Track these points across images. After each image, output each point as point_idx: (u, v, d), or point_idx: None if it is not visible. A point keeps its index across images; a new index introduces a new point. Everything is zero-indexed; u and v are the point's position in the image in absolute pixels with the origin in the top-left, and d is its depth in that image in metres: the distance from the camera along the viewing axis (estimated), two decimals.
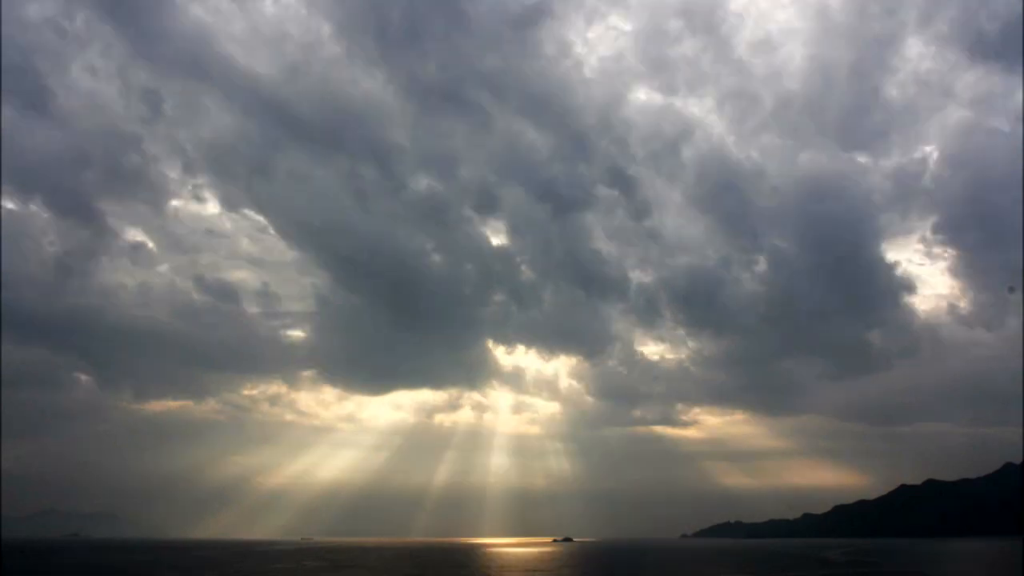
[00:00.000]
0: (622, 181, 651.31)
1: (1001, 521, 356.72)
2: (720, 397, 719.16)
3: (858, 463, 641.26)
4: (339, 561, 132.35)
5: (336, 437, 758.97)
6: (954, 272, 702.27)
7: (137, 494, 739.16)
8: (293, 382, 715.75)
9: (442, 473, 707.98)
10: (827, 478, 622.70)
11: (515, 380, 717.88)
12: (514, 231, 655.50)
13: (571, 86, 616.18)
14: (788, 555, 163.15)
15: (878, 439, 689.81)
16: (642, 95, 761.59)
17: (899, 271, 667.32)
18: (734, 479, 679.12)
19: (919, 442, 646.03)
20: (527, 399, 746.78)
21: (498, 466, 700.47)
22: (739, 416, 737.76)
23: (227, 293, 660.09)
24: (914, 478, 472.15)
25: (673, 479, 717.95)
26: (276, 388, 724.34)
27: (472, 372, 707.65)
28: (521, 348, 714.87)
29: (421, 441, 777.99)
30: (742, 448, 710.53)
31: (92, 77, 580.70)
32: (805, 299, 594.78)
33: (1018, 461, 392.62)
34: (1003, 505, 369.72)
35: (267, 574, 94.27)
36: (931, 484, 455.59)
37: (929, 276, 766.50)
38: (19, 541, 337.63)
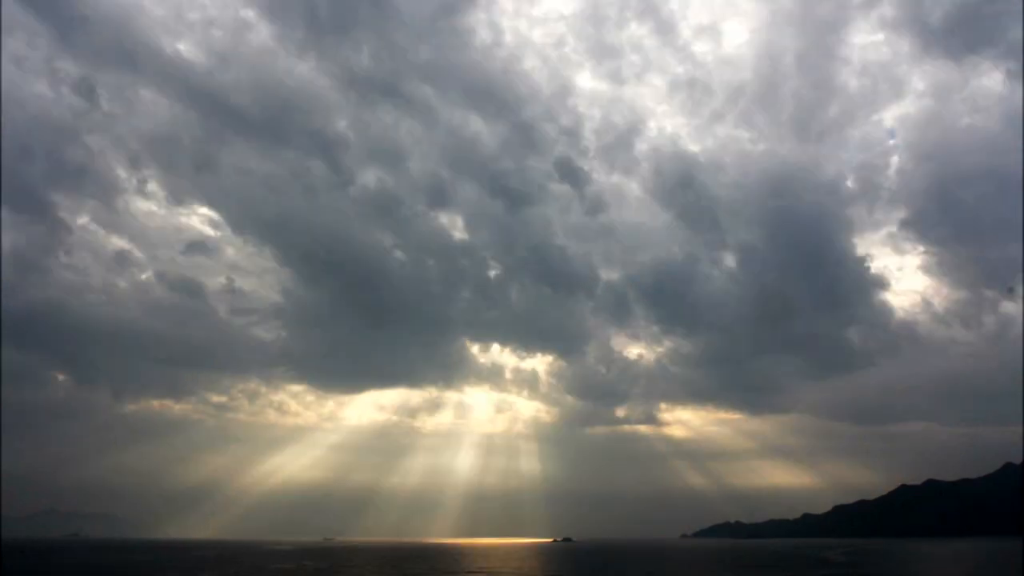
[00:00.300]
0: (576, 175, 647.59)
1: (1002, 521, 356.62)
2: (701, 396, 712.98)
3: (849, 462, 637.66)
4: (344, 561, 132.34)
5: (326, 437, 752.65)
6: (926, 269, 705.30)
7: (133, 494, 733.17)
8: (270, 381, 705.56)
9: (438, 473, 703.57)
10: (821, 478, 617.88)
11: (495, 378, 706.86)
12: (472, 227, 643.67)
13: (512, 75, 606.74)
14: (778, 555, 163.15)
15: (866, 439, 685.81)
16: (589, 83, 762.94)
17: (871, 267, 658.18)
18: (728, 479, 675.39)
19: (907, 442, 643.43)
20: (508, 397, 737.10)
21: (488, 466, 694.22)
22: (724, 415, 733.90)
23: (192, 290, 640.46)
24: (914, 478, 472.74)
25: (666, 479, 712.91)
26: (254, 387, 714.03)
27: (449, 370, 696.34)
28: (496, 346, 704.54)
29: (408, 441, 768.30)
30: (730, 448, 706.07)
31: (18, 69, 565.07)
32: (778, 296, 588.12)
33: (1018, 461, 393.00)
34: (1003, 505, 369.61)
35: (268, 574, 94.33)
36: (931, 484, 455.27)
37: (901, 272, 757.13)
38: (19, 541, 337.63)
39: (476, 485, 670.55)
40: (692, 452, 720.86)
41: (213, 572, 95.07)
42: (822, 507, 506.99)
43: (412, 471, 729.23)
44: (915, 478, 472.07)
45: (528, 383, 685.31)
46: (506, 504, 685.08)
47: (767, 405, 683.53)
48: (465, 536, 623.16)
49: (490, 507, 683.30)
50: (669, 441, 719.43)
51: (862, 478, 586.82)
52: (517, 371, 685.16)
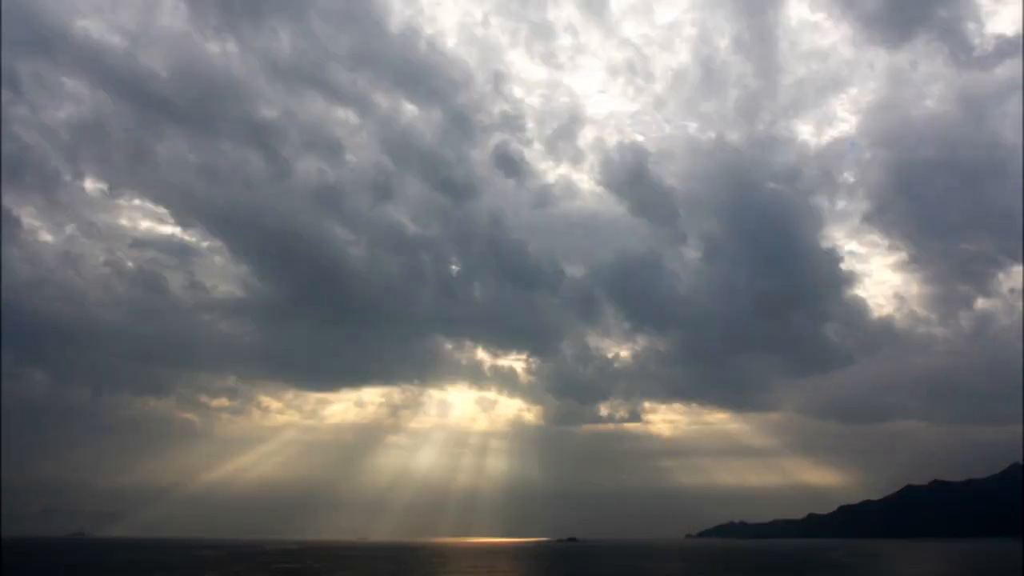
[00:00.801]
0: (521, 166, 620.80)
1: (1008, 522, 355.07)
2: (683, 394, 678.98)
3: (842, 461, 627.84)
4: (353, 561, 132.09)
5: (321, 434, 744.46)
6: (895, 263, 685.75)
7: (137, 495, 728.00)
8: (247, 378, 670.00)
9: (431, 474, 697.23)
10: (812, 477, 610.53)
11: (474, 376, 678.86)
12: (422, 221, 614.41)
13: (440, 58, 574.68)
14: (782, 555, 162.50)
15: (856, 438, 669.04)
16: (523, 68, 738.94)
17: (841, 262, 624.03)
18: (723, 478, 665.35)
19: (897, 441, 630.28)
20: (488, 395, 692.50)
21: (482, 465, 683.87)
22: (710, 414, 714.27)
23: (151, 284, 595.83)
24: (919, 478, 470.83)
25: (663, 478, 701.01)
26: (232, 384, 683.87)
27: (426, 368, 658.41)
28: (469, 343, 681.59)
29: (395, 440, 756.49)
30: (722, 446, 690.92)
31: None
32: (748, 291, 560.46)
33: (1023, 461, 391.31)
34: (1010, 506, 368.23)
35: (268, 574, 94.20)
36: (937, 484, 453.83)
37: (869, 266, 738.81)
38: (22, 539, 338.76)
39: (473, 484, 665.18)
40: (684, 451, 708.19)
41: (215, 572, 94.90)
42: (827, 507, 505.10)
43: (400, 471, 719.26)
44: (920, 478, 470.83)
45: (508, 380, 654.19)
46: (508, 503, 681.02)
47: (752, 404, 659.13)
48: (466, 535, 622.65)
49: (490, 506, 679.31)
50: (658, 440, 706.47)
51: (857, 477, 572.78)
52: (495, 368, 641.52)
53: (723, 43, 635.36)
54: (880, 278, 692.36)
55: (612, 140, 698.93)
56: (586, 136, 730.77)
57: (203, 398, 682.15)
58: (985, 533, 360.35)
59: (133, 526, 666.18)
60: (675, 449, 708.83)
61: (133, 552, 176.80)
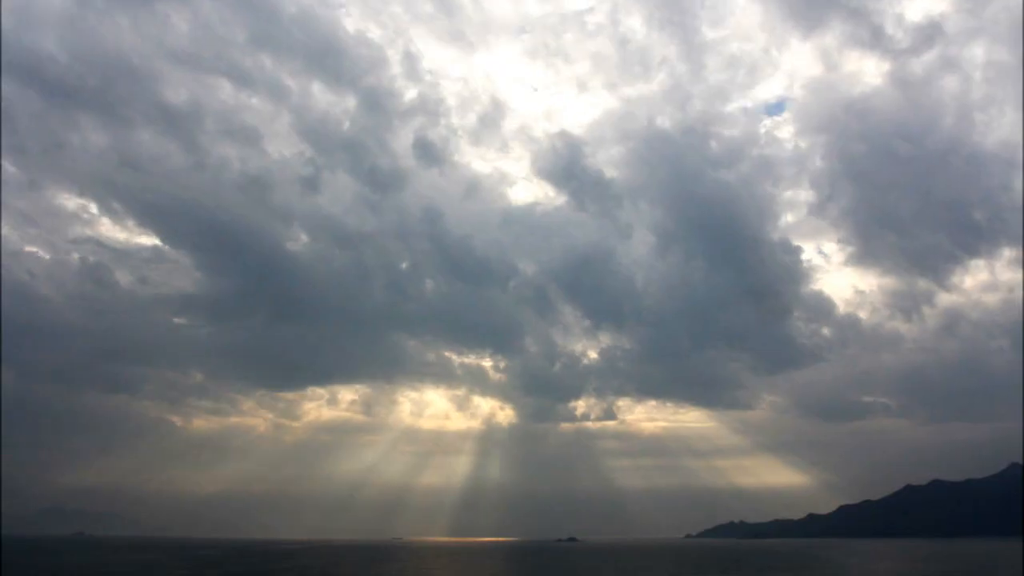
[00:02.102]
0: (446, 155, 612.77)
1: (1007, 522, 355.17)
2: (656, 392, 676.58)
3: (826, 459, 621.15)
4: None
5: (292, 436, 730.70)
6: (853, 258, 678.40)
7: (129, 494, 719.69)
8: (215, 378, 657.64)
9: (425, 475, 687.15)
10: (807, 475, 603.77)
11: (443, 375, 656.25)
12: (358, 214, 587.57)
13: (348, 42, 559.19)
14: (782, 555, 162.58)
15: (837, 435, 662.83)
16: (435, 49, 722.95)
17: (796, 254, 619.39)
18: (708, 477, 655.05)
19: (881, 439, 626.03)
20: (459, 394, 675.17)
21: (467, 465, 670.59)
22: (688, 412, 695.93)
23: (102, 281, 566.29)
24: (918, 478, 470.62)
25: (659, 478, 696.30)
26: (200, 381, 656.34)
27: (393, 367, 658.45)
28: (432, 341, 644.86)
29: (370, 440, 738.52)
30: (705, 445, 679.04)
31: None
32: (707, 286, 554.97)
33: (1020, 460, 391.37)
34: (1009, 506, 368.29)
35: (270, 574, 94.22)
36: (936, 484, 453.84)
37: (823, 260, 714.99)
38: (23, 539, 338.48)
39: (461, 484, 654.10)
40: (666, 450, 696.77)
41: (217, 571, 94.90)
42: (826, 507, 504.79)
43: (381, 471, 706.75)
44: (919, 478, 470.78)
45: (477, 379, 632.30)
46: (507, 503, 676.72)
47: (728, 401, 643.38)
48: (466, 535, 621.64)
49: (488, 506, 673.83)
50: (639, 438, 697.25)
51: (845, 475, 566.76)
52: (464, 367, 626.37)
53: (638, 23, 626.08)
54: (835, 271, 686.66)
55: (539, 126, 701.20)
56: (511, 122, 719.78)
57: (173, 395, 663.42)
58: (985, 533, 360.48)
59: (135, 526, 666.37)
60: (657, 448, 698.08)
61: (134, 552, 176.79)
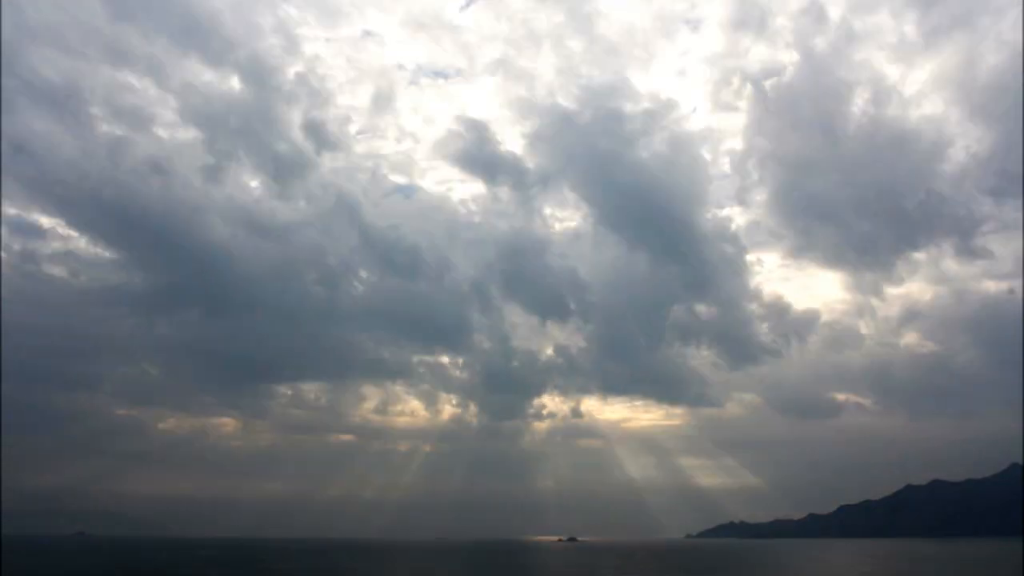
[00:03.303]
0: (343, 140, 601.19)
1: (1007, 521, 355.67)
2: (619, 389, 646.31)
3: (812, 457, 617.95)
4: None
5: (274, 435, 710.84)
6: (791, 251, 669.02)
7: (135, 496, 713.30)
8: (174, 375, 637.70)
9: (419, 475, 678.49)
10: (799, 475, 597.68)
11: (404, 372, 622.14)
12: (267, 203, 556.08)
13: (221, 17, 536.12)
14: (782, 556, 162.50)
15: (816, 433, 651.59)
16: (317, 28, 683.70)
17: (734, 243, 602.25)
18: (695, 476, 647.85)
19: (859, 435, 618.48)
20: (425, 391, 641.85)
21: (450, 465, 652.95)
22: (660, 409, 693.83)
23: (46, 280, 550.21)
24: (919, 478, 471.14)
25: (654, 477, 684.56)
26: (156, 378, 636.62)
27: (352, 364, 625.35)
28: (383, 337, 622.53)
29: (343, 439, 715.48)
30: (686, 444, 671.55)
31: None
32: (651, 279, 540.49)
33: (1020, 461, 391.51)
34: (1009, 506, 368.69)
35: (270, 573, 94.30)
36: (936, 484, 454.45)
37: (765, 252, 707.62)
38: (22, 538, 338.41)
39: (457, 486, 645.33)
40: (651, 448, 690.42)
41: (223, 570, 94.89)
42: (827, 507, 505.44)
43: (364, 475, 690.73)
44: (919, 478, 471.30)
45: (440, 378, 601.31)
46: (506, 503, 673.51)
47: (697, 398, 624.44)
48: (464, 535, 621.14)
49: (483, 506, 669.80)
50: (618, 436, 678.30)
51: (833, 474, 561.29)
52: (423, 364, 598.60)
53: None
54: (780, 266, 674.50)
55: (436, 107, 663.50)
56: (404, 104, 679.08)
57: (134, 392, 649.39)
58: (985, 533, 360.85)
59: (135, 525, 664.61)
60: (636, 446, 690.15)
61: (137, 552, 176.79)
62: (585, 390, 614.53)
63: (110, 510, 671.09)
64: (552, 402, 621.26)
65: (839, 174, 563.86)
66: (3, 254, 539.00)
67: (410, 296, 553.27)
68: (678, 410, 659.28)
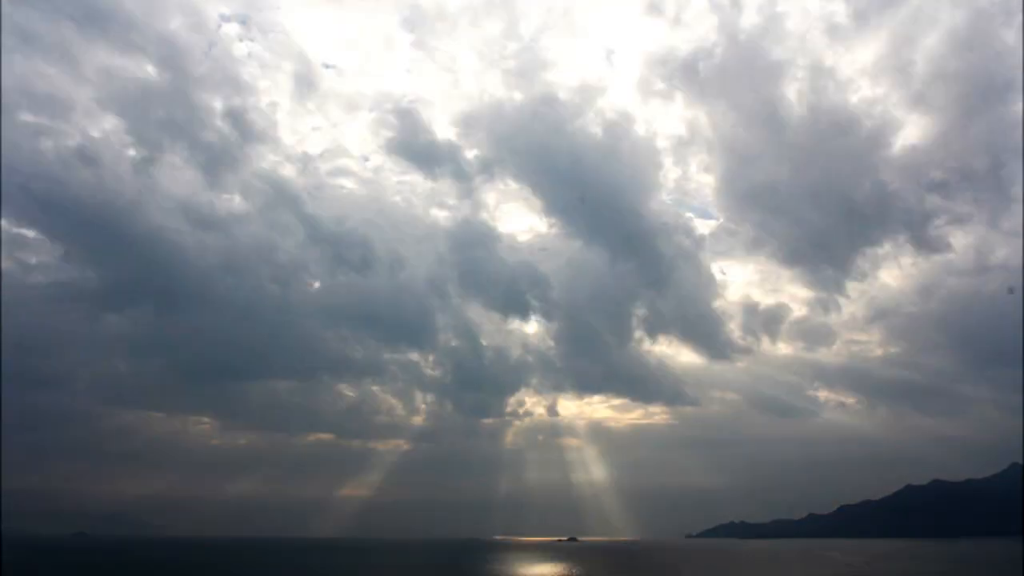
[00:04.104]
0: (270, 124, 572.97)
1: (1008, 522, 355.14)
2: (592, 387, 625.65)
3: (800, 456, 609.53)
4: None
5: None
6: (747, 245, 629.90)
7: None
8: (143, 373, 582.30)
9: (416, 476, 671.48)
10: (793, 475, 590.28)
11: (373, 371, 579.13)
12: (205, 196, 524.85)
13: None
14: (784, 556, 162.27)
15: (797, 431, 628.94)
16: (230, 8, 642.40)
17: (691, 238, 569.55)
18: (696, 477, 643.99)
19: (837, 434, 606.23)
20: (399, 389, 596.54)
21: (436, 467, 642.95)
22: (642, 408, 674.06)
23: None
24: (919, 478, 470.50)
25: (648, 476, 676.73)
26: (126, 376, 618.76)
27: (320, 362, 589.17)
28: (347, 334, 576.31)
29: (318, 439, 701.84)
30: (672, 443, 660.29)
31: None
32: (610, 274, 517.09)
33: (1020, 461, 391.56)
34: (1009, 506, 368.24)
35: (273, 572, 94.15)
36: (937, 484, 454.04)
37: (721, 245, 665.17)
38: (24, 538, 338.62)
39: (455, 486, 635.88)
40: (637, 447, 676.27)
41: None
42: (827, 507, 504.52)
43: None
44: (919, 478, 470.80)
45: (413, 376, 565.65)
46: (505, 503, 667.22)
47: (675, 396, 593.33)
48: (472, 535, 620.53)
49: (484, 506, 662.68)
50: (601, 435, 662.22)
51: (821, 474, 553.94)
52: (395, 363, 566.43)
53: None
54: (734, 258, 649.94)
55: (360, 90, 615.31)
56: (329, 88, 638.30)
57: (106, 391, 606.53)
58: (985, 533, 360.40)
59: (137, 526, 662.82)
60: (621, 444, 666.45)
61: (135, 552, 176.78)
62: (560, 388, 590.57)
63: (110, 510, 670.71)
64: (529, 400, 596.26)
65: (784, 163, 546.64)
66: None
67: (367, 292, 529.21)
68: (656, 408, 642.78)
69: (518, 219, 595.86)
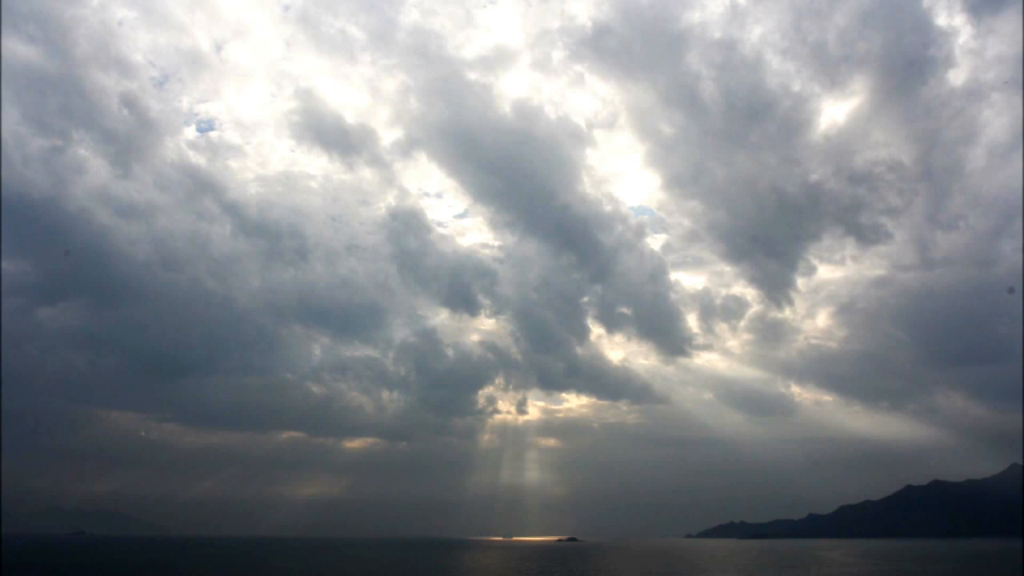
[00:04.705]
0: (167, 116, 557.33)
1: (1008, 522, 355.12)
2: (558, 384, 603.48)
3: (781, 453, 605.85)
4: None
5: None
6: (685, 237, 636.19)
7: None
8: (100, 369, 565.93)
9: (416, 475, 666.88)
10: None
11: (336, 368, 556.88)
12: (121, 185, 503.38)
13: None
14: (785, 556, 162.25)
15: (777, 429, 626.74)
16: None
17: (641, 234, 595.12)
18: (691, 476, 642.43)
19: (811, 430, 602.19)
20: (366, 387, 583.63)
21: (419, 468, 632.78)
22: (620, 405, 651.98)
23: None
24: (919, 479, 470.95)
25: (626, 475, 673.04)
26: (88, 371, 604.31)
27: (282, 360, 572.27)
28: (301, 331, 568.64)
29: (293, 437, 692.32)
30: (650, 440, 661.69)
31: None
32: (554, 268, 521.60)
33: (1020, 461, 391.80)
34: (1009, 505, 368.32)
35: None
36: (937, 484, 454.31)
37: (664, 243, 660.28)
38: (22, 538, 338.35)
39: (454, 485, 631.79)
40: (618, 444, 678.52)
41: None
42: (827, 507, 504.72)
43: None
44: (921, 478, 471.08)
45: (379, 377, 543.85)
46: (504, 502, 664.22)
47: (641, 393, 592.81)
48: (463, 535, 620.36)
49: (480, 506, 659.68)
50: (579, 433, 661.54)
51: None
52: (356, 360, 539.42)
53: None
54: (673, 250, 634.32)
55: (262, 74, 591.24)
56: (241, 55, 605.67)
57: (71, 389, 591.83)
58: (985, 533, 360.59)
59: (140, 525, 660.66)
60: (602, 441, 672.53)
61: (137, 552, 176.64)
62: (525, 386, 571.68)
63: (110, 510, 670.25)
64: (497, 397, 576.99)
65: (707, 150, 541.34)
66: None
67: (308, 285, 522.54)
68: (623, 405, 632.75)
69: (447, 207, 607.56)
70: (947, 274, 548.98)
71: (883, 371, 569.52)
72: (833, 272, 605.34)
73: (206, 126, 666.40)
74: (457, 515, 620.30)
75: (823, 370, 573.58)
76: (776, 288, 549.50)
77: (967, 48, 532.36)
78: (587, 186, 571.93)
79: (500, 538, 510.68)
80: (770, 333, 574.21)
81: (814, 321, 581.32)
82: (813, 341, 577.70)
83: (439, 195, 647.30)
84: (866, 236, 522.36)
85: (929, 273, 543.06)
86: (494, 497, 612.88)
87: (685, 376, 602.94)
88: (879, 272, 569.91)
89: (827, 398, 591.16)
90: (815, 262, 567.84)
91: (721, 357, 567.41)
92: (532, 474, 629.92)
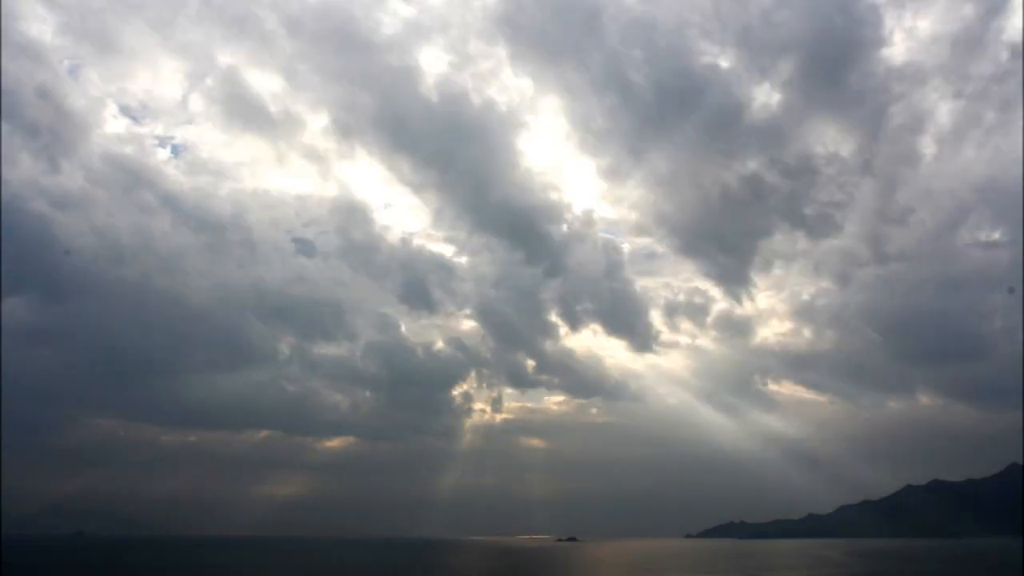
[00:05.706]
0: (86, 106, 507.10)
1: (1007, 521, 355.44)
2: (530, 382, 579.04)
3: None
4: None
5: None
6: (633, 230, 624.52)
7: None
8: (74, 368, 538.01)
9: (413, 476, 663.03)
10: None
11: (305, 367, 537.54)
12: (52, 176, 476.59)
13: None
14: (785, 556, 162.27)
15: (757, 426, 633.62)
16: None
17: (592, 226, 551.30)
18: (687, 476, 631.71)
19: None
20: (341, 387, 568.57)
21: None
22: (600, 404, 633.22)
23: None
24: (919, 478, 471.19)
25: (620, 474, 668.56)
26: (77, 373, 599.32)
27: (251, 359, 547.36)
28: (259, 327, 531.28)
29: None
30: (638, 439, 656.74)
31: None
32: (508, 263, 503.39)
33: (1020, 460, 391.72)
34: (1009, 505, 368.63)
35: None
36: (936, 484, 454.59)
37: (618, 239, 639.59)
38: (23, 538, 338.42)
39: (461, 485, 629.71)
40: (605, 443, 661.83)
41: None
42: (826, 507, 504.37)
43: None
44: (919, 478, 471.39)
45: (348, 376, 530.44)
46: (499, 502, 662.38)
47: (612, 391, 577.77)
48: (462, 534, 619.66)
49: (482, 505, 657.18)
50: (563, 432, 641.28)
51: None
52: (326, 358, 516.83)
53: None
54: (627, 245, 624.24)
55: (181, 54, 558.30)
56: (138, 52, 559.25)
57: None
58: (985, 533, 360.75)
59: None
60: (586, 440, 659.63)
61: (137, 552, 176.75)
62: (495, 384, 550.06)
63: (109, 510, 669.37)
64: (473, 395, 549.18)
65: (645, 140, 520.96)
66: None
67: (260, 280, 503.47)
68: (599, 402, 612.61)
69: (387, 192, 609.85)
70: (902, 270, 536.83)
71: (860, 369, 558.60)
72: (788, 267, 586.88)
73: (130, 115, 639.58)
74: (443, 515, 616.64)
75: (795, 366, 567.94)
76: (735, 283, 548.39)
77: (903, 27, 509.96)
78: (524, 175, 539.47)
79: (497, 538, 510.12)
80: (735, 329, 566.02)
81: (779, 319, 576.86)
82: (781, 338, 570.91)
83: (380, 187, 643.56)
84: (815, 229, 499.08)
85: (885, 268, 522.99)
86: (480, 496, 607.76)
87: (656, 373, 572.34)
88: (836, 267, 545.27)
89: (807, 396, 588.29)
90: (770, 257, 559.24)
91: (687, 354, 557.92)
92: (521, 473, 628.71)
